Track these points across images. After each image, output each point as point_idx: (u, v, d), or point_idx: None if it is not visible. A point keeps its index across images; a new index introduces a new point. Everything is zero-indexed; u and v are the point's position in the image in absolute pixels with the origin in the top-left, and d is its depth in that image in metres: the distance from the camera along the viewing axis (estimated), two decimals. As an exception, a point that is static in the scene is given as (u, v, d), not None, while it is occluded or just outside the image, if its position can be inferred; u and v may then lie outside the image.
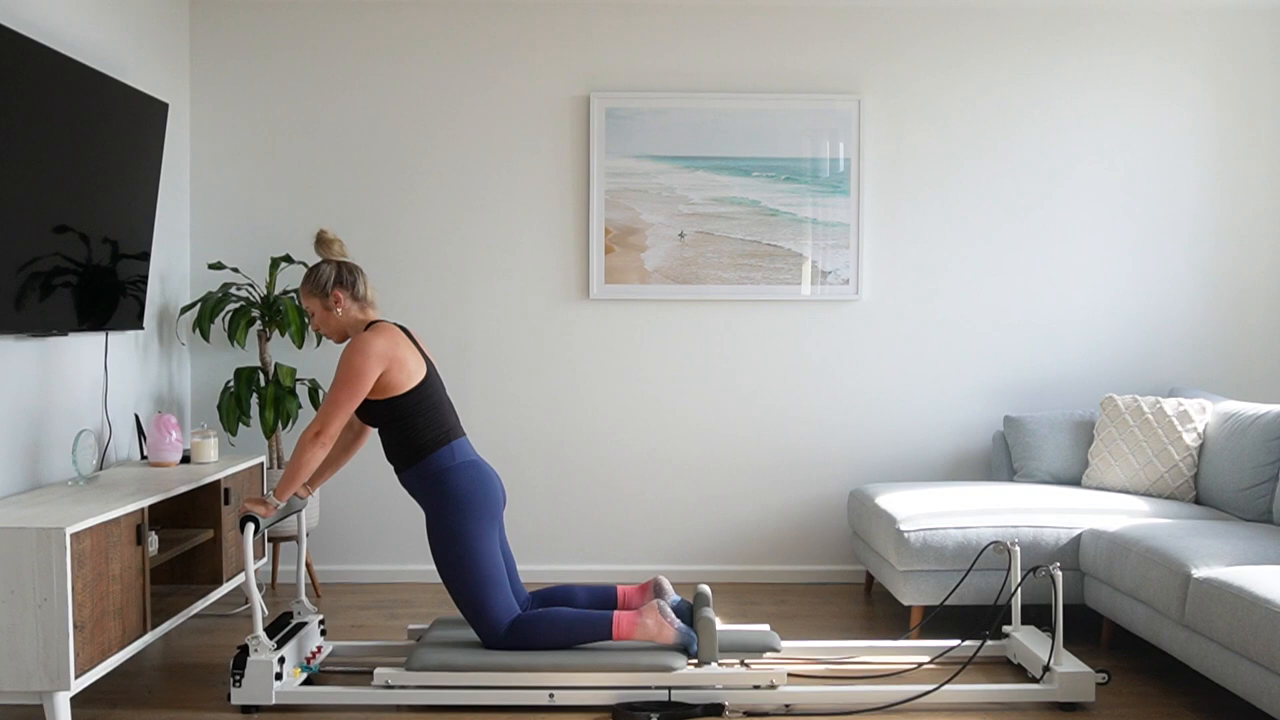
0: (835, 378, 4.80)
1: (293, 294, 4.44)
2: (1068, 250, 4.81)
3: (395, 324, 3.35)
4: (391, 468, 4.69)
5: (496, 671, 3.18)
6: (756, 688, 3.19)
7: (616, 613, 3.29)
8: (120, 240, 3.79)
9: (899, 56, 4.76)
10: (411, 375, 3.25)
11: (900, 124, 4.78)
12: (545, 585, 4.45)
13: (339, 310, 3.31)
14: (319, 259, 3.38)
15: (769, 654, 3.44)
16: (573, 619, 3.27)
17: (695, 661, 3.26)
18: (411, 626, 3.67)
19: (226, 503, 3.91)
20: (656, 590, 3.47)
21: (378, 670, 3.20)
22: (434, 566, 4.64)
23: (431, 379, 3.32)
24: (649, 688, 3.18)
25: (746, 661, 3.41)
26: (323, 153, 4.71)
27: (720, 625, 3.52)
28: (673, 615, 3.29)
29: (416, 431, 3.27)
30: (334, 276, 3.30)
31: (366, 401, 3.26)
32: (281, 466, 4.45)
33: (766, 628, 3.54)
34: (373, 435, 4.70)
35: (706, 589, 3.45)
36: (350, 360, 3.17)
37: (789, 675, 3.37)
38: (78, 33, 3.74)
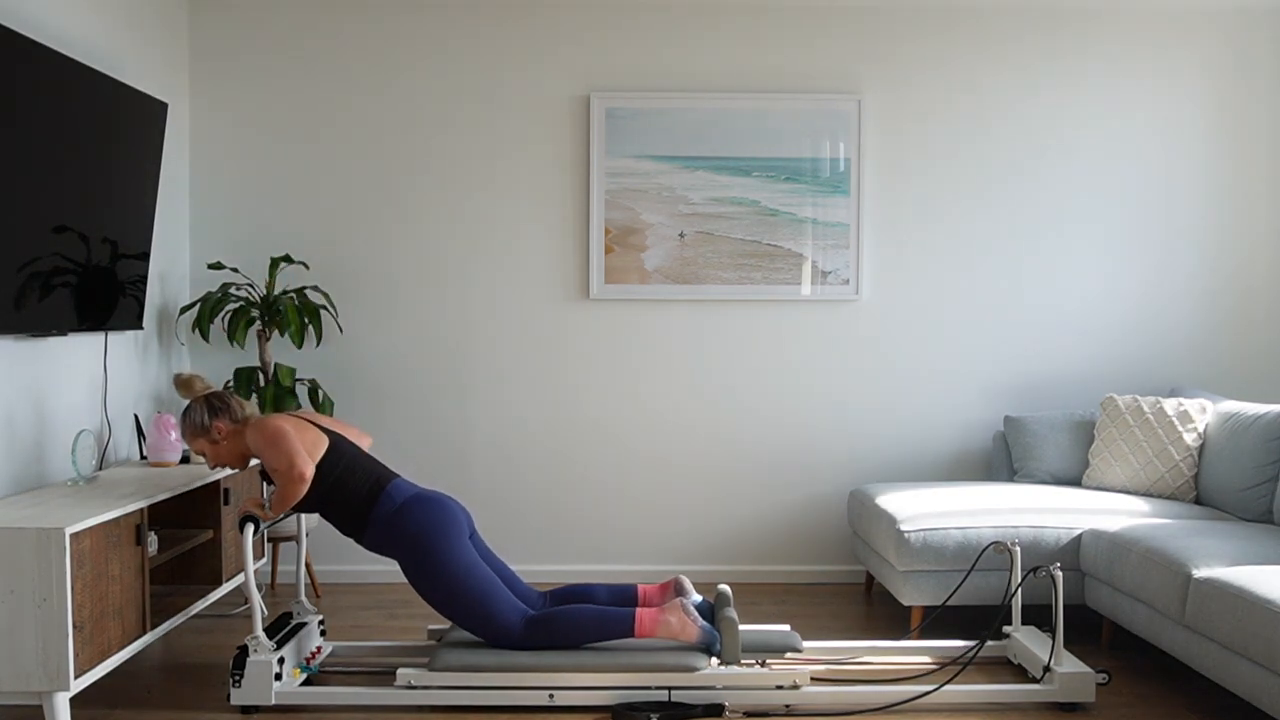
0: (835, 378, 4.80)
1: (292, 294, 4.44)
2: (1069, 250, 4.81)
3: (288, 414, 3.38)
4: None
5: (520, 672, 3.17)
6: (780, 688, 3.19)
7: (639, 610, 3.28)
8: (120, 240, 3.79)
9: (899, 56, 4.76)
10: (314, 445, 3.27)
11: (900, 124, 4.77)
12: (552, 585, 4.45)
13: (226, 440, 3.33)
14: (185, 403, 3.39)
15: (790, 654, 3.43)
16: (594, 616, 3.26)
17: (717, 661, 3.25)
18: (431, 627, 3.67)
19: (226, 503, 3.91)
20: (677, 589, 3.46)
21: (400, 670, 3.19)
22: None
23: (338, 443, 3.33)
24: (649, 688, 3.17)
25: (766, 661, 3.40)
26: (323, 152, 4.71)
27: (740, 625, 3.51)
28: (696, 614, 3.28)
29: (349, 494, 3.28)
30: (206, 411, 3.32)
31: None
32: (281, 466, 4.44)
33: (787, 628, 3.53)
34: (377, 438, 4.70)
35: (727, 589, 3.44)
36: (262, 435, 3.19)
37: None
38: (77, 32, 3.74)
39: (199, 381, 3.38)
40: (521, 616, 3.25)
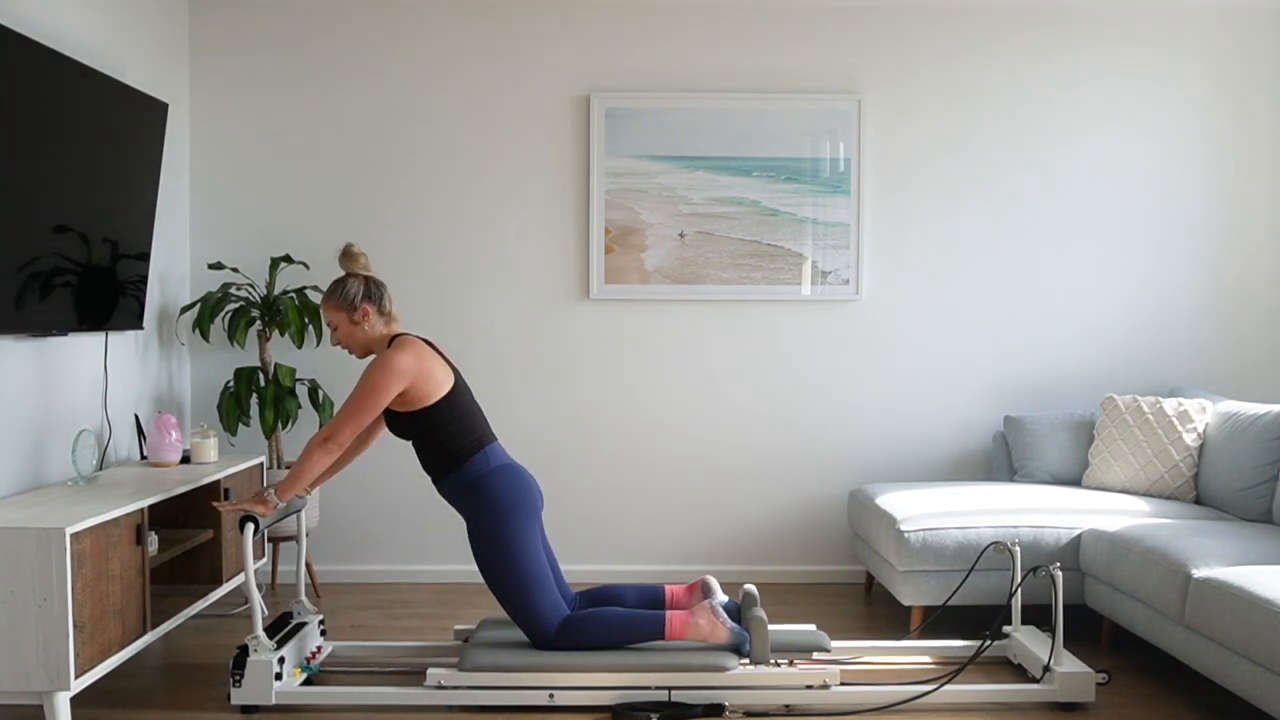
0: (835, 378, 4.80)
1: (292, 294, 4.44)
2: (1068, 250, 4.81)
3: (419, 337, 3.35)
4: (394, 470, 4.71)
5: (549, 672, 3.17)
6: (809, 688, 3.19)
7: (669, 612, 3.28)
8: (120, 240, 3.79)
9: (899, 56, 4.76)
10: (439, 385, 3.24)
11: (901, 124, 4.77)
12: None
13: (365, 325, 3.30)
14: (343, 273, 3.37)
15: (817, 653, 3.43)
16: (626, 619, 3.26)
17: (747, 661, 3.26)
18: (458, 627, 3.67)
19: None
20: (704, 590, 3.46)
21: (430, 670, 3.19)
22: (450, 566, 4.66)
23: (460, 388, 3.32)
24: (649, 688, 3.18)
25: (794, 661, 3.41)
26: (323, 152, 4.71)
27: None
28: (725, 615, 3.29)
29: (449, 440, 3.27)
30: (362, 291, 3.30)
31: (397, 415, 3.26)
32: (281, 466, 4.45)
33: (813, 627, 3.54)
34: (378, 438, 4.70)
35: (754, 589, 3.44)
36: (373, 374, 3.17)
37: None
38: (78, 33, 3.74)
39: (364, 259, 3.36)
40: (560, 617, 3.26)
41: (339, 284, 3.31)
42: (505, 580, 3.24)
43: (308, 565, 4.53)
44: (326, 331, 4.65)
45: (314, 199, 4.71)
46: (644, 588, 3.54)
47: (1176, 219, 4.83)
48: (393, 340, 3.30)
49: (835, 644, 3.62)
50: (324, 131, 4.71)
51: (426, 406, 3.23)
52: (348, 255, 3.34)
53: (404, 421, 3.27)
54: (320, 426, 4.48)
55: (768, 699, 3.17)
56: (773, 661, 3.33)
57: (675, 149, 4.71)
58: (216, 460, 4.08)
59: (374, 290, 3.31)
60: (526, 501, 3.29)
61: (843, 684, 3.29)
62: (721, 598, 3.42)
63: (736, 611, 3.42)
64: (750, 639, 3.22)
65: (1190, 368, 4.85)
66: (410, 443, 3.38)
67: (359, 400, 3.16)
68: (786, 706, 3.19)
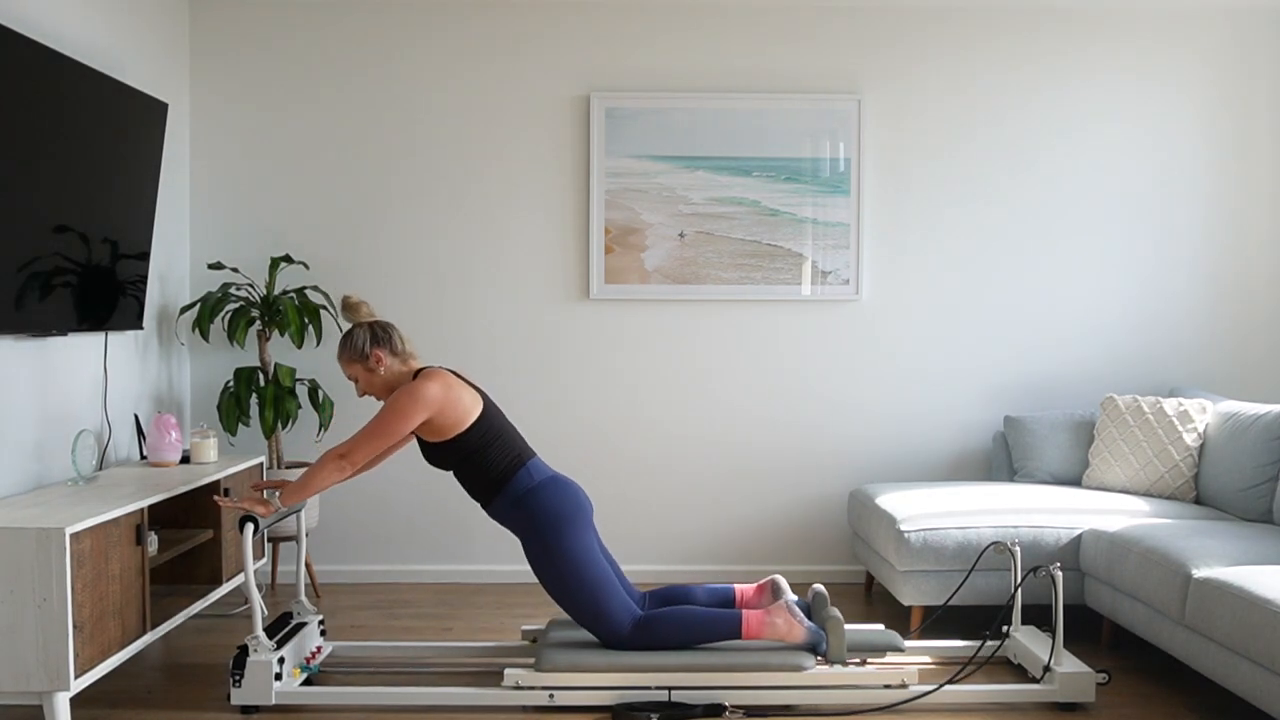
0: (835, 378, 4.80)
1: (292, 294, 4.44)
2: (1068, 250, 4.81)
3: (442, 367, 3.34)
4: (394, 471, 4.71)
5: (628, 672, 3.17)
6: (887, 687, 3.20)
7: (746, 612, 3.28)
8: (120, 240, 3.79)
9: (899, 56, 4.76)
10: (469, 411, 3.24)
11: (901, 124, 4.77)
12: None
13: (382, 370, 3.29)
14: (349, 325, 3.37)
15: (891, 653, 3.43)
16: (702, 618, 3.26)
17: (823, 660, 3.25)
18: (526, 627, 3.67)
19: (226, 502, 3.91)
20: (774, 590, 3.46)
21: (508, 671, 3.19)
22: (450, 566, 4.65)
23: (490, 410, 3.31)
24: (649, 688, 3.18)
25: (866, 660, 3.40)
26: (323, 152, 4.71)
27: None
28: (802, 615, 3.28)
29: (489, 463, 3.26)
30: (369, 338, 3.29)
31: (433, 445, 3.27)
32: (281, 466, 4.44)
33: (881, 627, 3.54)
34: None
35: (823, 589, 3.43)
36: (398, 401, 3.17)
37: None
38: (78, 33, 3.74)
39: (365, 307, 3.36)
40: (631, 617, 3.25)
41: (347, 337, 3.31)
42: (571, 591, 3.22)
43: (308, 565, 4.52)
44: (326, 331, 4.66)
45: (314, 199, 4.71)
46: (714, 588, 3.53)
47: (1176, 219, 4.83)
48: (418, 374, 3.30)
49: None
50: (324, 131, 4.71)
51: (460, 434, 3.23)
52: (348, 307, 3.35)
53: (441, 451, 3.27)
54: (320, 427, 4.49)
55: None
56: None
57: (675, 149, 4.71)
58: (216, 460, 4.09)
59: (381, 334, 3.31)
60: (577, 511, 3.28)
61: (837, 686, 3.27)
62: (791, 597, 3.41)
63: (807, 611, 3.42)
64: (827, 638, 3.22)
65: (1190, 368, 4.85)
66: (451, 472, 3.37)
67: (380, 425, 3.16)
68: (786, 706, 3.19)
